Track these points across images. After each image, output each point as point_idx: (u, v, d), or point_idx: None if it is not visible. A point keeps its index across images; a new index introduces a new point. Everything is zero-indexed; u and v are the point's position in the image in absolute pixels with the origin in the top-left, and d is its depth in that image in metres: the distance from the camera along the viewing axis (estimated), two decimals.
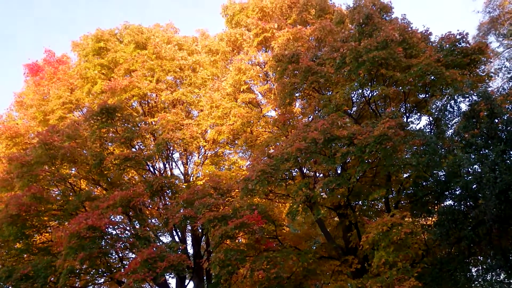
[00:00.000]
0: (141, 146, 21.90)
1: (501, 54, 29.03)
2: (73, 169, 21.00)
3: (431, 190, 15.84)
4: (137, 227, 18.62)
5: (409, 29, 17.74)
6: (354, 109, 19.70)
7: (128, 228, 18.59)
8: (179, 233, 21.38)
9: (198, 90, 22.81)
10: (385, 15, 18.93)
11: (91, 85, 22.95)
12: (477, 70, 17.34)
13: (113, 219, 17.68)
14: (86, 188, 21.91)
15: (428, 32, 18.54)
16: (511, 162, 13.24)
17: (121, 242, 17.64)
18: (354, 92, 18.07)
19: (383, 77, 16.89)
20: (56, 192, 20.75)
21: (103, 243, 16.66)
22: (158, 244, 17.94)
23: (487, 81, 17.27)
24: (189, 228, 20.38)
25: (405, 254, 13.99)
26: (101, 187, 22.02)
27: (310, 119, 20.14)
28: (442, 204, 15.53)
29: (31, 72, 26.39)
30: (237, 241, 19.19)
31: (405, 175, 17.35)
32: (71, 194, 20.31)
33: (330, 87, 18.58)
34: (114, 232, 17.82)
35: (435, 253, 16.17)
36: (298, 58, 18.09)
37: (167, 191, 20.33)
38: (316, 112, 19.32)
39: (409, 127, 16.85)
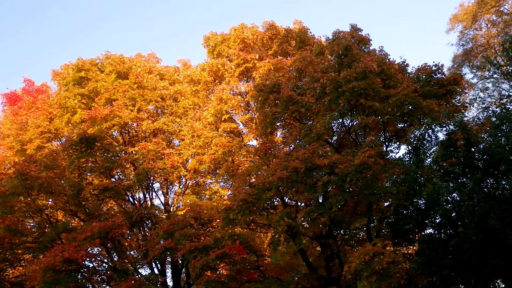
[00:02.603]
0: (120, 176, 21.57)
1: (476, 85, 30.00)
2: (50, 200, 20.54)
3: (412, 218, 15.90)
4: (115, 259, 18.14)
5: (387, 60, 18.22)
6: (335, 138, 19.90)
7: (106, 260, 18.11)
8: (159, 265, 20.88)
9: (180, 120, 22.79)
10: (363, 47, 19.40)
11: (70, 114, 22.70)
12: (453, 101, 17.81)
13: (90, 251, 17.25)
14: (63, 220, 21.37)
15: (405, 63, 19.06)
16: (489, 190, 13.45)
17: (98, 275, 17.15)
18: (335, 122, 18.29)
19: (363, 107, 17.18)
20: (32, 224, 20.17)
21: (79, 276, 16.22)
22: (137, 277, 17.49)
23: (462, 111, 17.72)
24: (169, 259, 19.95)
25: (387, 284, 13.88)
26: (78, 218, 21.50)
27: (291, 148, 20.23)
28: (423, 233, 15.58)
29: (9, 102, 26.03)
30: (218, 272, 18.87)
31: (385, 204, 17.43)
32: (47, 225, 19.77)
33: (311, 117, 18.79)
34: (91, 265, 17.36)
35: (417, 282, 16.10)
36: (279, 88, 18.31)
37: (147, 222, 19.96)
38: (297, 141, 19.44)
39: (388, 156, 17.07)
